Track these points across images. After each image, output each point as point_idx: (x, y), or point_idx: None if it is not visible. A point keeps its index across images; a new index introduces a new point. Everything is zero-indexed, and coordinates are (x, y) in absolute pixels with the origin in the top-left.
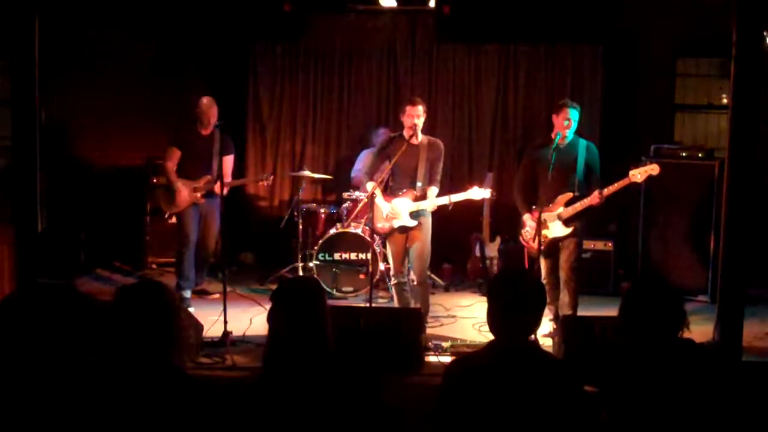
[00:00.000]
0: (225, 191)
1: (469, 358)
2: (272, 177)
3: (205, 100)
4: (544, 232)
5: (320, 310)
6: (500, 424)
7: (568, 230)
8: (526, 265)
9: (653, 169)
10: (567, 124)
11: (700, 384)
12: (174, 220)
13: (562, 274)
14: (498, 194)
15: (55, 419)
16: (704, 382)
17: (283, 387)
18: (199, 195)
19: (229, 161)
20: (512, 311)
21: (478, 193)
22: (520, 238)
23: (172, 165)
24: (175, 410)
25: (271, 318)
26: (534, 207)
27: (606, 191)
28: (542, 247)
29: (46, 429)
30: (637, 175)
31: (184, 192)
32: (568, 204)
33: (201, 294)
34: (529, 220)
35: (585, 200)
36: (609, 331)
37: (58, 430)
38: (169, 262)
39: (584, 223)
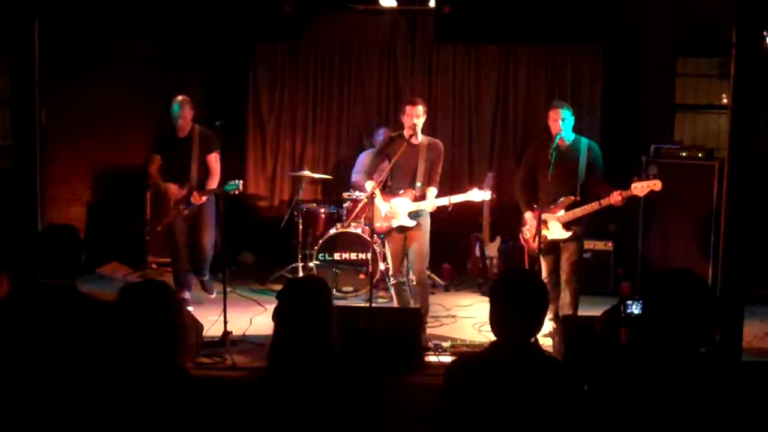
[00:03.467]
0: (203, 200)
1: (470, 358)
2: (241, 182)
3: (175, 100)
4: (543, 232)
5: (327, 309)
6: (501, 424)
7: (568, 234)
8: (527, 265)
9: (656, 185)
10: (558, 123)
11: (702, 388)
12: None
13: (563, 275)
14: (498, 195)
15: (57, 419)
16: (705, 387)
17: (286, 386)
18: (182, 207)
19: (213, 159)
20: (515, 313)
21: (478, 195)
22: (520, 237)
23: (153, 169)
24: (179, 409)
25: (277, 315)
26: (535, 206)
27: (624, 194)
28: (541, 247)
29: (47, 429)
30: (639, 188)
31: (175, 192)
32: (569, 208)
33: (204, 288)
34: (530, 219)
35: (585, 206)
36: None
37: (59, 430)
38: (169, 262)
39: (585, 225)
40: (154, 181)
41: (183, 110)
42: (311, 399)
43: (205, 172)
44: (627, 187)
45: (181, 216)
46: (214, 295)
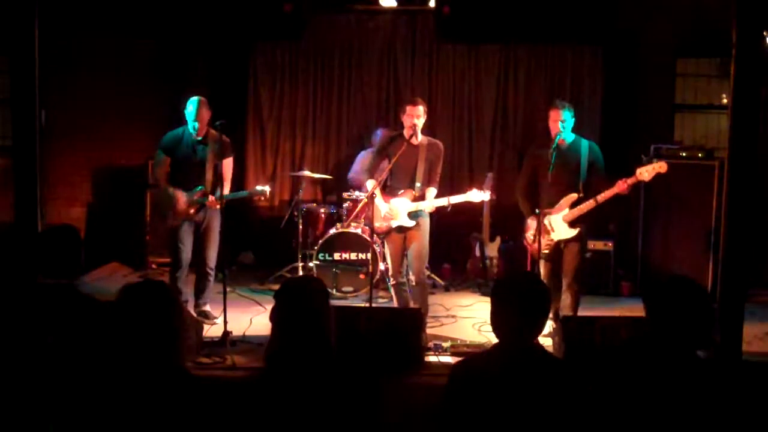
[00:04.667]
0: (218, 205)
1: (474, 360)
2: (268, 191)
3: (190, 100)
4: (550, 235)
5: (323, 310)
6: (504, 425)
7: (574, 232)
8: (529, 266)
9: (661, 167)
10: (558, 123)
11: (702, 389)
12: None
13: (566, 278)
14: (498, 195)
15: (57, 419)
16: (705, 387)
17: (283, 386)
18: (193, 211)
19: (228, 164)
20: (516, 314)
21: (477, 195)
22: (525, 241)
23: (162, 171)
24: (179, 409)
25: (273, 316)
26: (538, 210)
27: (629, 181)
28: (547, 250)
29: (47, 428)
30: (644, 173)
31: (183, 200)
32: (573, 205)
33: (201, 316)
34: (533, 224)
35: (590, 201)
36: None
37: (60, 430)
38: (169, 262)
39: (588, 226)
40: (162, 185)
41: (200, 112)
42: (308, 399)
43: (218, 177)
44: (631, 175)
45: (190, 219)
46: (218, 320)
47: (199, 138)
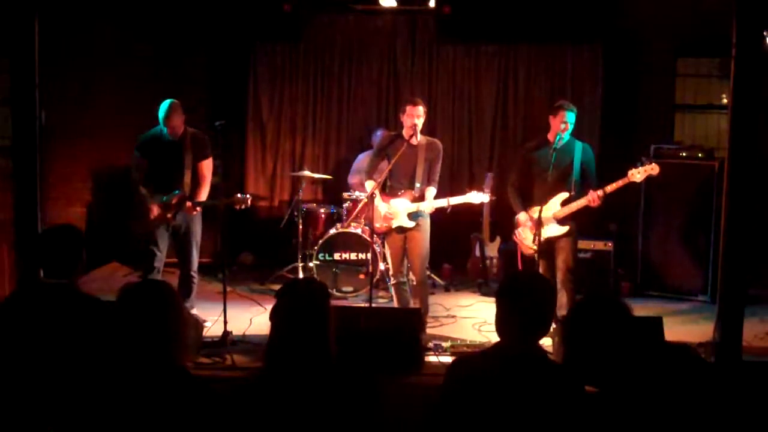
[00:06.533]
0: (197, 211)
1: (472, 359)
2: (249, 199)
3: (167, 106)
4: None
5: (324, 311)
6: (498, 427)
7: (564, 229)
8: (520, 265)
9: (653, 168)
10: (564, 126)
11: (695, 394)
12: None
13: (560, 275)
14: (498, 195)
15: (57, 419)
16: (699, 393)
17: (282, 386)
18: (170, 215)
19: (206, 166)
20: (517, 314)
21: (477, 197)
22: (514, 237)
23: (139, 175)
24: (179, 409)
25: (274, 315)
26: (532, 209)
27: (607, 189)
28: (536, 245)
29: (46, 428)
30: (636, 174)
31: (156, 210)
32: (564, 203)
33: None
34: (523, 220)
35: (581, 200)
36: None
37: (59, 430)
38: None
39: (579, 223)
40: (140, 190)
41: (170, 116)
42: (307, 399)
43: (197, 179)
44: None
45: (167, 224)
46: (210, 324)
47: (176, 139)
